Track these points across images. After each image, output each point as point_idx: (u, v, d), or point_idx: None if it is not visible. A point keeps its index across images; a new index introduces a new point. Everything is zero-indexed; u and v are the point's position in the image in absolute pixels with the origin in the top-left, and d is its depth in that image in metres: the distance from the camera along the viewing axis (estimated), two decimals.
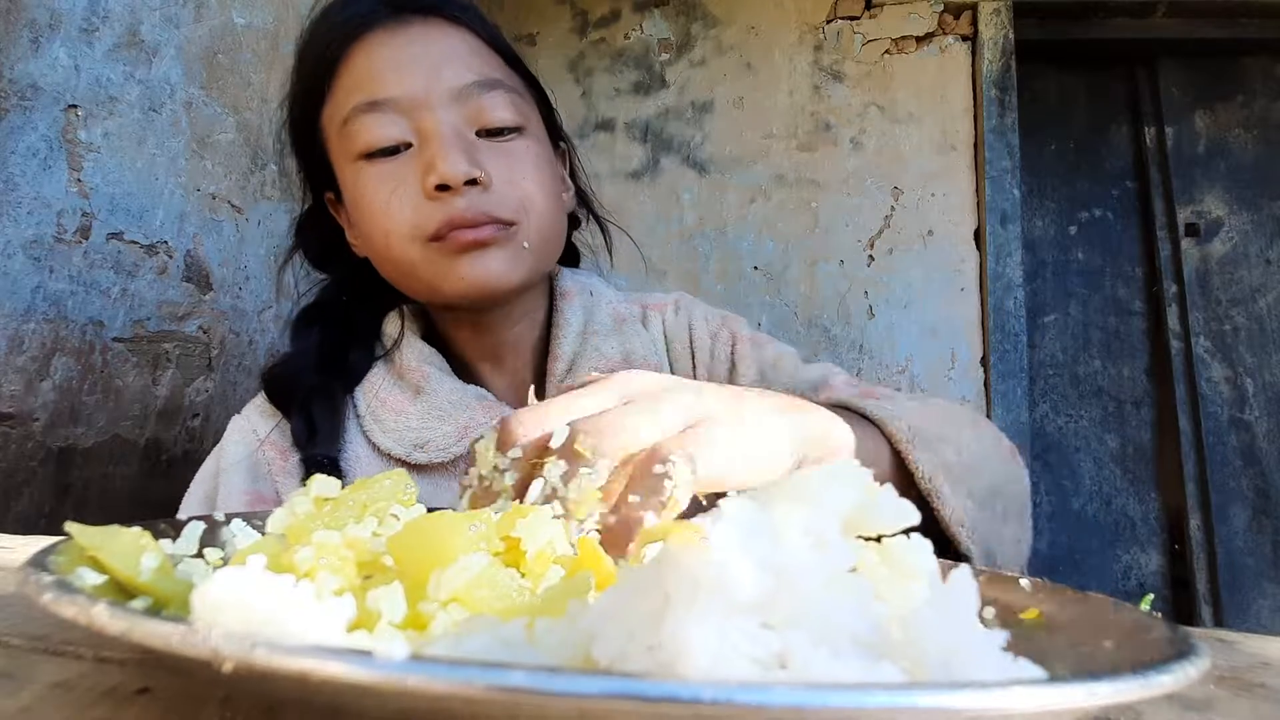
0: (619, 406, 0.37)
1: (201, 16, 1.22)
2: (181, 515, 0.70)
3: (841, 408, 0.53)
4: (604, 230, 0.89)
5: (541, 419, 0.35)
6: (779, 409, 0.43)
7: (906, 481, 0.53)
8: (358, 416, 0.73)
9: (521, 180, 0.68)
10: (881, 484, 0.50)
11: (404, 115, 0.66)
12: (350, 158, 0.69)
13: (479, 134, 0.68)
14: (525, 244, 0.69)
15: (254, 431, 0.73)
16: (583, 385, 0.39)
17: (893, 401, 0.57)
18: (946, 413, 0.60)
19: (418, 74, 0.66)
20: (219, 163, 1.25)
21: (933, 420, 0.56)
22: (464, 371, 0.77)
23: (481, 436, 0.36)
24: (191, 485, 0.74)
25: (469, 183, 0.65)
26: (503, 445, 0.35)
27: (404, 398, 0.72)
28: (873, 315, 2.29)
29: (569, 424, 0.35)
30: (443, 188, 0.64)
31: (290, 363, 0.75)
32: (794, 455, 0.42)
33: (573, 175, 0.84)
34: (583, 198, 0.86)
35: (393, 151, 0.67)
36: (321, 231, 0.79)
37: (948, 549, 0.56)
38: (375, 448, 0.71)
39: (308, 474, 0.68)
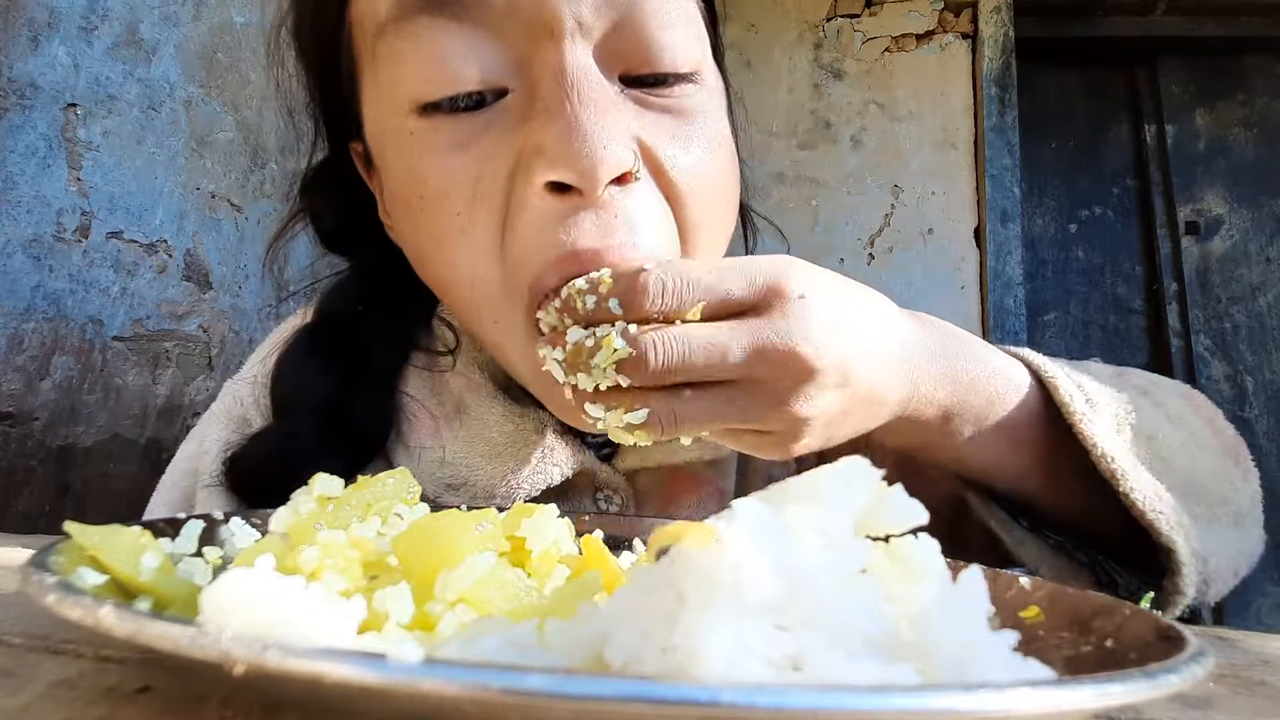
0: (734, 391, 0.34)
1: (201, 15, 1.22)
2: (152, 515, 0.56)
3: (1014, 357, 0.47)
4: (744, 221, 0.61)
5: (672, 368, 0.33)
6: (914, 374, 0.39)
7: (1082, 461, 0.43)
8: None
9: (696, 177, 0.42)
10: (1044, 456, 0.44)
11: (497, 36, 0.39)
12: (395, 105, 0.41)
13: (624, 80, 0.41)
14: None
15: (244, 425, 0.56)
16: (769, 309, 0.34)
17: (1078, 366, 0.48)
18: (1148, 390, 0.49)
19: None
20: (218, 161, 1.25)
21: (1121, 396, 0.46)
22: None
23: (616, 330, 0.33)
24: (163, 482, 0.58)
25: (615, 181, 0.38)
26: (625, 369, 0.33)
27: (439, 416, 0.52)
28: None
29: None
30: (562, 187, 0.38)
31: (271, 448, 0.52)
32: (900, 403, 0.40)
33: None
34: None
35: (474, 103, 0.40)
36: (339, 195, 0.54)
37: (1120, 552, 0.46)
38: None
39: None
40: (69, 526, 0.28)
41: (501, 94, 0.40)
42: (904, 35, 2.38)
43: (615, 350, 0.34)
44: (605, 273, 0.36)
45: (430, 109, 0.40)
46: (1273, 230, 2.37)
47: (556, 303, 0.37)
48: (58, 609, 0.21)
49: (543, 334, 0.38)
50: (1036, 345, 2.11)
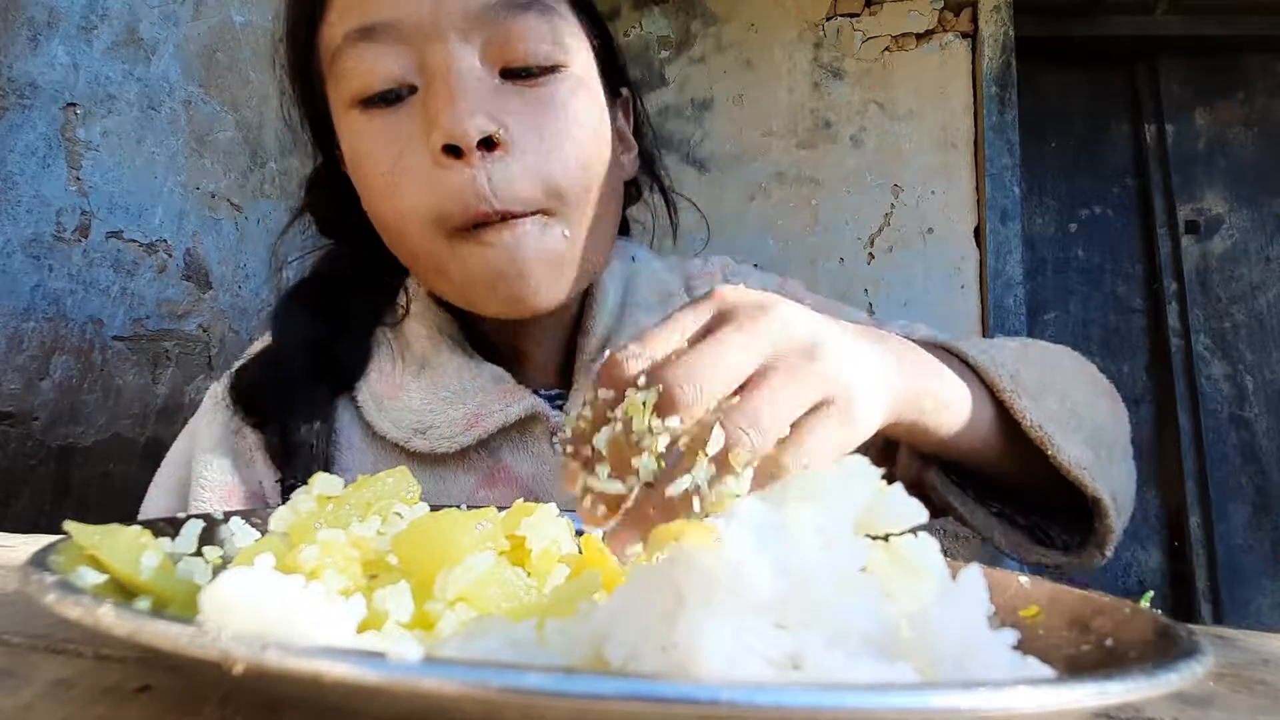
0: (766, 387, 0.33)
1: (200, 14, 1.22)
2: (150, 504, 0.64)
3: (942, 349, 0.50)
4: (669, 203, 0.73)
5: (703, 384, 0.31)
6: (897, 370, 0.40)
7: (1013, 430, 0.49)
8: (352, 395, 0.64)
9: (556, 142, 0.54)
10: (988, 434, 0.49)
11: (405, 45, 0.53)
12: (344, 103, 0.56)
13: (504, 74, 0.54)
14: (565, 233, 0.55)
15: (230, 409, 0.63)
16: (731, 314, 0.34)
17: (994, 345, 0.53)
18: (1047, 354, 0.55)
19: None
20: (218, 161, 1.25)
21: (1034, 365, 0.52)
22: (482, 342, 0.65)
23: (639, 389, 0.32)
24: (160, 471, 0.65)
25: (484, 144, 0.51)
26: (663, 411, 0.31)
27: (407, 372, 0.62)
28: (873, 313, 2.28)
29: (724, 418, 0.31)
30: (452, 150, 0.52)
31: (266, 370, 0.63)
32: (885, 418, 0.39)
33: (637, 133, 0.69)
34: (647, 162, 0.70)
35: (393, 98, 0.54)
36: (333, 192, 0.66)
37: (1051, 508, 0.53)
38: (370, 430, 0.62)
39: (284, 491, 0.60)
40: (69, 526, 0.28)
41: (413, 90, 0.54)
42: (904, 34, 2.38)
43: (644, 405, 0.31)
44: (575, 412, 0.34)
45: (365, 104, 0.55)
46: (1273, 230, 2.37)
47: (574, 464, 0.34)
48: (57, 608, 0.21)
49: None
50: None
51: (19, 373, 0.95)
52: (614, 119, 0.63)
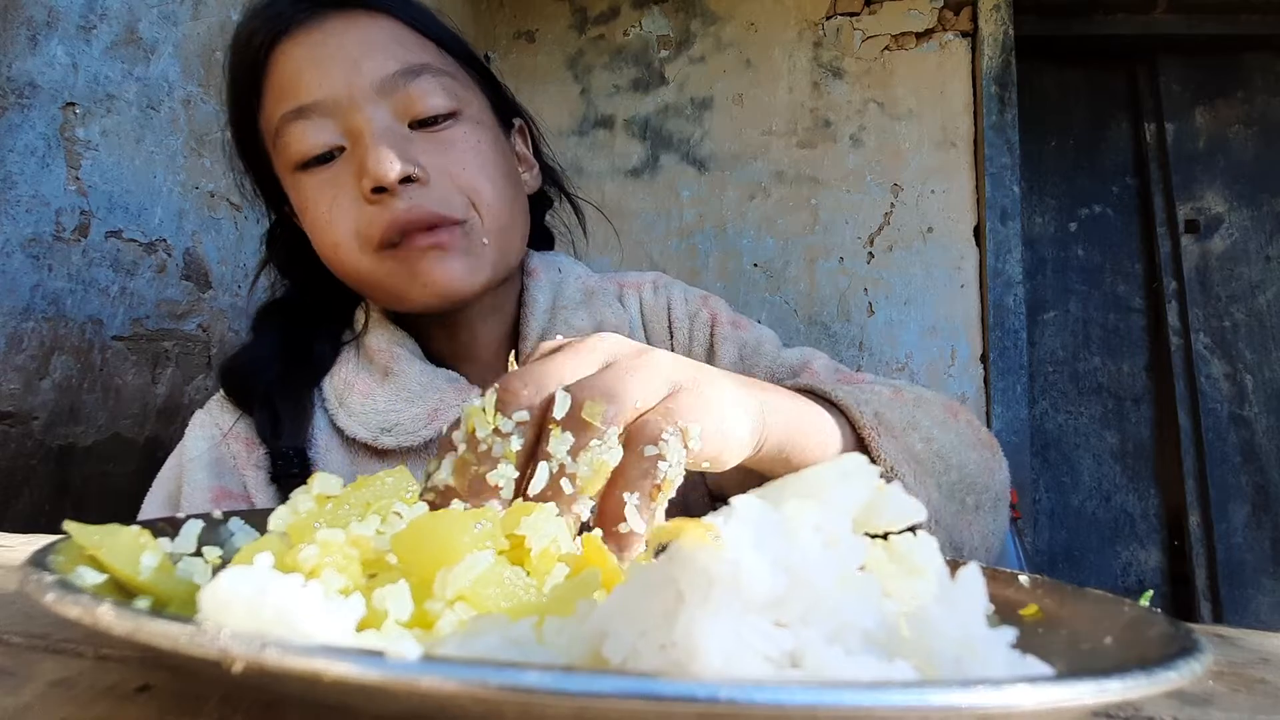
0: (609, 368, 0.34)
1: (200, 14, 1.22)
2: (144, 516, 0.69)
3: (808, 392, 0.52)
4: (576, 209, 0.86)
5: (541, 381, 0.33)
6: (741, 384, 0.42)
7: None
8: (323, 403, 0.72)
9: (463, 171, 0.66)
10: None
11: (331, 118, 0.64)
12: (289, 169, 0.68)
13: (412, 125, 0.66)
14: (485, 240, 0.66)
15: (216, 426, 0.72)
16: (557, 348, 0.37)
17: (864, 389, 0.56)
18: (919, 401, 0.59)
19: (338, 72, 0.64)
20: (218, 160, 1.25)
21: (902, 408, 0.55)
22: (434, 355, 0.74)
23: (469, 400, 0.32)
24: (154, 484, 0.72)
25: (405, 180, 0.62)
26: (505, 407, 0.32)
27: (372, 380, 0.70)
28: (873, 312, 2.29)
29: (566, 389, 0.32)
30: (379, 190, 0.62)
31: (249, 355, 0.74)
32: (754, 434, 0.41)
33: (536, 153, 0.81)
34: (550, 175, 0.82)
35: (326, 159, 0.65)
36: (289, 242, 0.77)
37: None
38: (341, 434, 0.69)
39: (274, 466, 0.67)
40: (68, 526, 0.28)
41: (342, 149, 0.65)
42: (904, 33, 2.38)
43: (484, 409, 0.31)
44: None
45: (304, 166, 0.66)
46: (1272, 229, 2.38)
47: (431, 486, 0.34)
48: (57, 607, 0.21)
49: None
50: (1036, 344, 2.11)
51: (19, 373, 0.95)
52: (513, 145, 0.76)
